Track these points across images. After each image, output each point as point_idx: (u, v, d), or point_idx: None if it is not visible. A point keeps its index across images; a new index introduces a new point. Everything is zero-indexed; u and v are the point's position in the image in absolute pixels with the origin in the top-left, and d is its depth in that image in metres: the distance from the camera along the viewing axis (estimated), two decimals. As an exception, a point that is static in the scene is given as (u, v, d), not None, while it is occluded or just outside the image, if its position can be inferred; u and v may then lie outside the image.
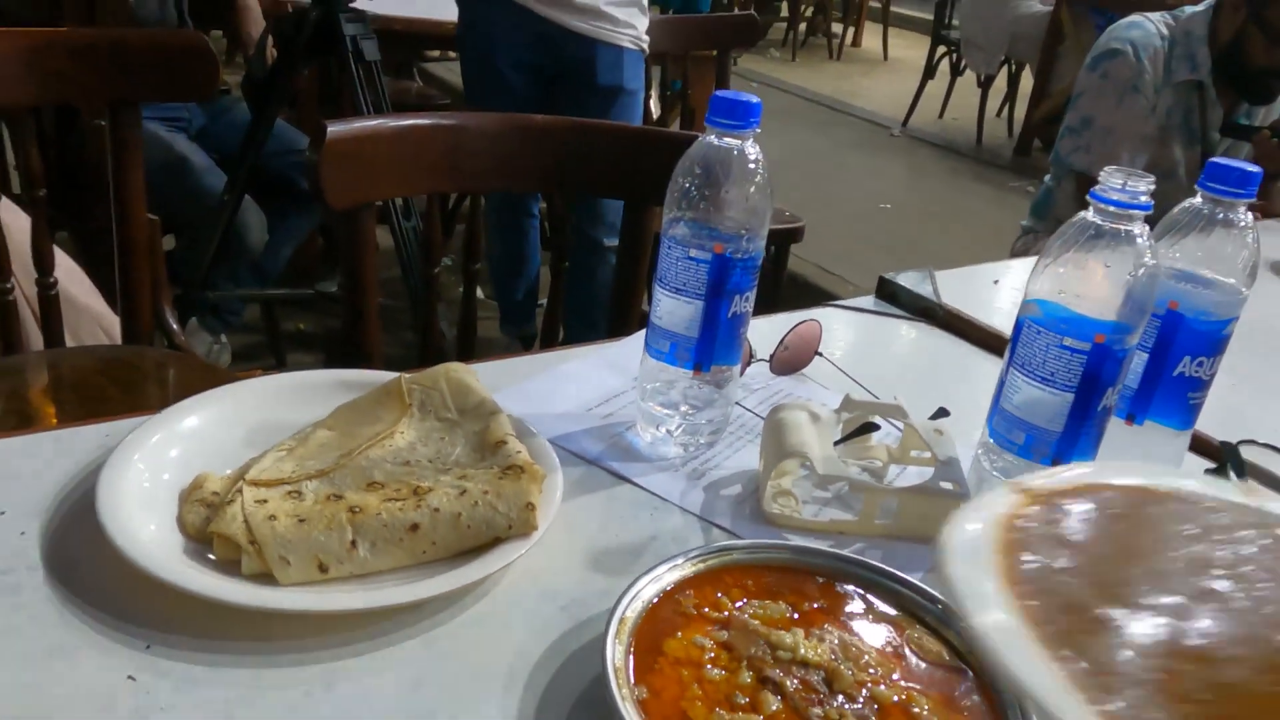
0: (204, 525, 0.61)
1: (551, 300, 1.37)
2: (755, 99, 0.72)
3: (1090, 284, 0.65)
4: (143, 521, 0.60)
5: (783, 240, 2.63)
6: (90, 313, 1.72)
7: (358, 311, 1.19)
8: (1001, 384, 0.72)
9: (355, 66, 2.04)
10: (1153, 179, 0.65)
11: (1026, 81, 5.31)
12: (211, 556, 0.59)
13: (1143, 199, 0.64)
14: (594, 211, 2.21)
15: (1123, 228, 0.65)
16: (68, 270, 1.67)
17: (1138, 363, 0.74)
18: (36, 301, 1.52)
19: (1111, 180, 0.65)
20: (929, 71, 5.61)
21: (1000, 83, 5.55)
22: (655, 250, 0.77)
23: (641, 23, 2.14)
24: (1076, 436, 0.68)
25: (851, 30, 8.05)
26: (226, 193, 2.13)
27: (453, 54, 3.69)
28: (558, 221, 1.40)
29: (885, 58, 7.60)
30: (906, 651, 0.58)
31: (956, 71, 5.65)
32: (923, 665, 0.57)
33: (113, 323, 1.74)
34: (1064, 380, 0.67)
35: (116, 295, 1.52)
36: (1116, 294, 0.65)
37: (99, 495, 0.60)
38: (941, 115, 5.78)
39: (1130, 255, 0.65)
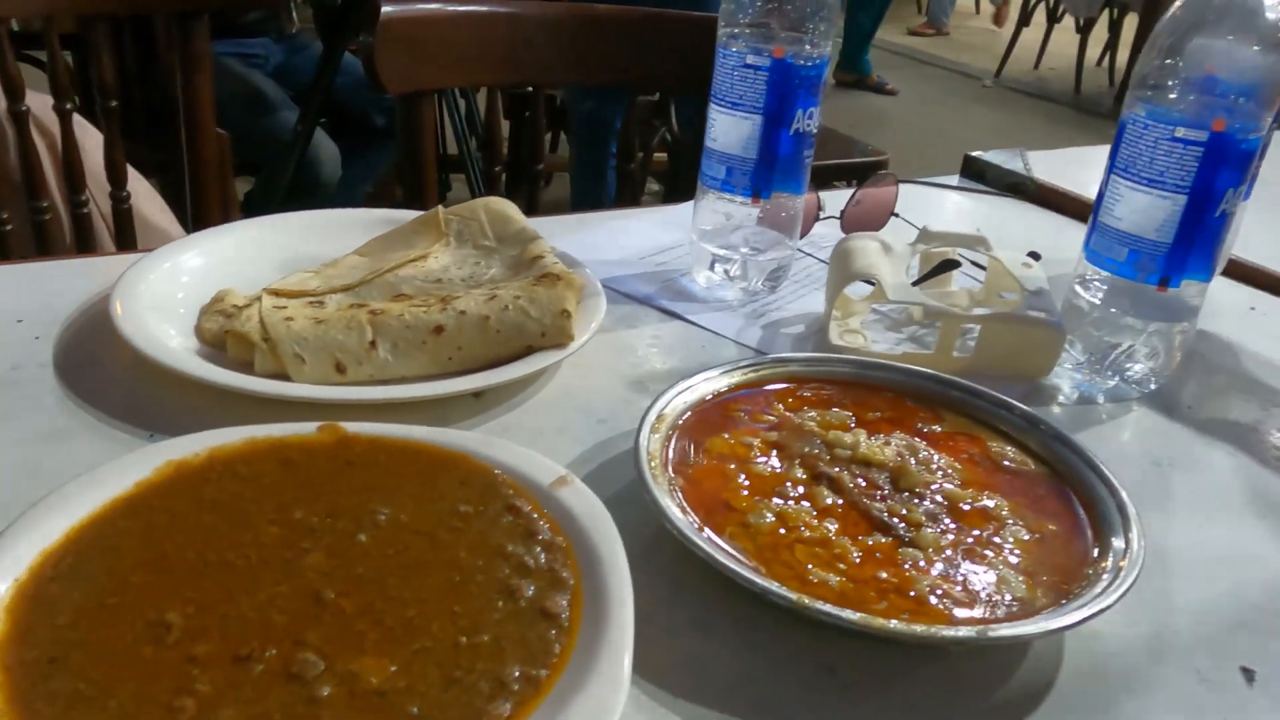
0: (221, 333, 0.57)
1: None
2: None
3: (1210, 62, 0.57)
4: (159, 325, 0.57)
5: (864, 174, 2.53)
6: (160, 231, 1.73)
7: (416, 194, 1.16)
8: (1100, 198, 0.63)
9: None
10: None
11: (1128, 30, 5.01)
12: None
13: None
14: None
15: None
16: (141, 189, 1.69)
17: None
18: (110, 216, 1.53)
19: (1236, -62, 0.56)
20: (1024, 19, 5.35)
21: (1100, 31, 5.25)
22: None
23: None
24: (1189, 249, 0.59)
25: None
26: (300, 123, 2.13)
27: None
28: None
29: (977, 11, 7.29)
30: (983, 458, 0.51)
31: (1053, 19, 5.38)
32: (1002, 472, 0.50)
33: (186, 244, 1.75)
34: (1175, 180, 0.58)
35: (188, 213, 1.52)
36: (1241, 71, 0.56)
37: (115, 294, 0.57)
38: (1037, 66, 5.52)
39: (1256, 25, 0.56)
